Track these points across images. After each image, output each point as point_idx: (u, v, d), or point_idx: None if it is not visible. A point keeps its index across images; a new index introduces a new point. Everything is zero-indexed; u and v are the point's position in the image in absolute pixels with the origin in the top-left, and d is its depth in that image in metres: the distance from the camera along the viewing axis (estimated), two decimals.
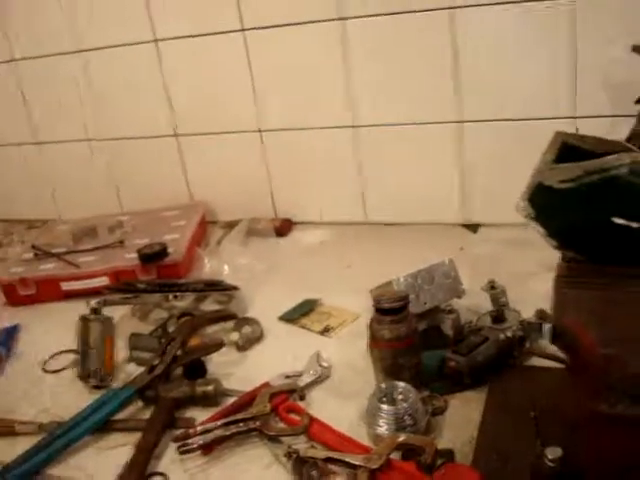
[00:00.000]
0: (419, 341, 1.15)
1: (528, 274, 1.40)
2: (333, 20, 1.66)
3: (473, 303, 1.34)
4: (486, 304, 1.29)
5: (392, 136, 1.73)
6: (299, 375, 1.25)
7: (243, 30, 1.75)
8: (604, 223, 0.63)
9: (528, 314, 1.07)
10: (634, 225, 0.62)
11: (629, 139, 1.04)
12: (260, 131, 1.87)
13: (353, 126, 1.76)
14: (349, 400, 1.16)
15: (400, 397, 1.08)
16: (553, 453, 0.82)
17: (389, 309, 1.11)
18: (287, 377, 1.25)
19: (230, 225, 1.94)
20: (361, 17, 1.63)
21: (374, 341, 1.14)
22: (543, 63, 1.53)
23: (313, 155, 1.85)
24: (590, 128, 1.52)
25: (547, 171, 0.65)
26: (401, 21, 1.60)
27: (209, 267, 1.67)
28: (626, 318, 0.65)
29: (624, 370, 0.65)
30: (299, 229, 1.94)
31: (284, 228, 1.91)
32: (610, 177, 0.63)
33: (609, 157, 0.65)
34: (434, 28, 1.58)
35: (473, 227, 1.72)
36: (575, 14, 1.45)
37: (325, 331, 1.40)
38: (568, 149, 0.71)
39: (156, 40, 1.86)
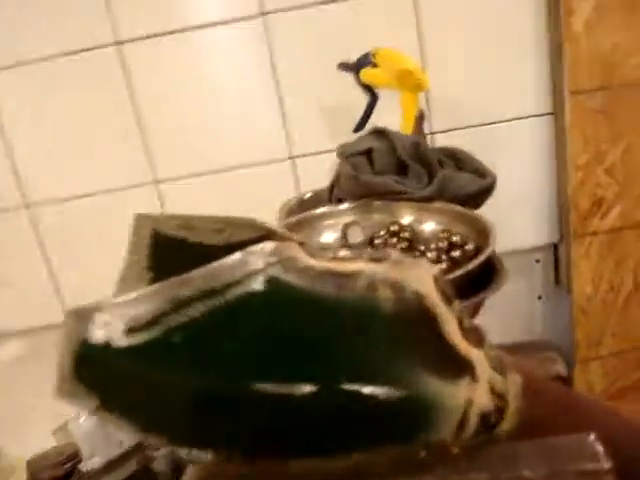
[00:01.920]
0: None
1: None
2: None
3: None
4: None
5: (77, 211, 1.36)
6: None
7: None
8: (232, 390, 0.31)
9: None
10: (288, 390, 0.30)
11: (332, 186, 0.77)
12: None
13: (26, 206, 1.36)
14: None
15: None
16: None
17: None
18: None
19: None
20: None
21: None
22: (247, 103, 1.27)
23: None
24: (312, 166, 1.29)
25: (91, 319, 0.31)
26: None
27: None
28: None
29: None
30: None
31: None
32: (231, 304, 0.31)
33: (225, 262, 0.33)
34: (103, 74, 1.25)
35: None
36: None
37: None
38: (169, 242, 0.38)
39: None
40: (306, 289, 0.31)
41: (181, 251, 0.37)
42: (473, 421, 0.33)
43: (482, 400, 0.33)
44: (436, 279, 0.33)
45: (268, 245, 0.31)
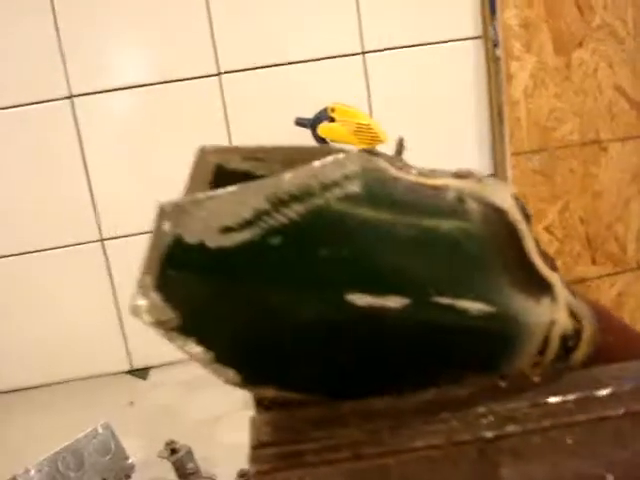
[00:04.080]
0: None
1: (217, 420, 1.09)
2: None
3: (154, 477, 0.94)
4: (171, 475, 0.93)
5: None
6: None
7: None
8: (326, 304, 0.30)
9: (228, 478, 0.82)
10: (381, 302, 0.29)
11: None
12: None
13: None
14: None
15: None
16: None
17: None
18: None
19: None
20: None
21: None
22: None
23: None
24: None
25: (187, 214, 0.26)
26: None
27: None
28: None
29: None
30: None
31: None
32: (330, 205, 0.30)
33: (322, 163, 0.32)
34: None
35: (142, 373, 1.33)
36: None
37: None
38: (232, 176, 0.36)
39: None
40: (399, 197, 0.31)
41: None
42: (554, 344, 0.33)
43: (563, 321, 0.33)
44: (516, 198, 0.34)
45: (359, 153, 0.31)
